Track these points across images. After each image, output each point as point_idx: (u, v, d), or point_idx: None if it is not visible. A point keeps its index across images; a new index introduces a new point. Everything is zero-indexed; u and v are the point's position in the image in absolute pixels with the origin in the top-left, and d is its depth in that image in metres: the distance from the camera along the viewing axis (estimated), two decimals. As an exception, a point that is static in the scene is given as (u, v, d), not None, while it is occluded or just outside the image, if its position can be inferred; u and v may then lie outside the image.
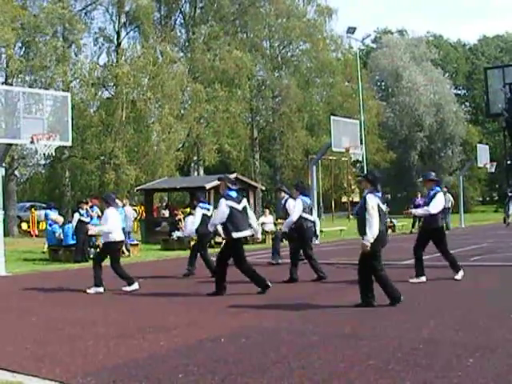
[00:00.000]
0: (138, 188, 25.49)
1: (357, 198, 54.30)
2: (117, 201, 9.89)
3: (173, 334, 6.24)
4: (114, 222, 9.56)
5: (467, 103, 64.64)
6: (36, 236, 26.29)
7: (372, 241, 7.19)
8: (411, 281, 9.38)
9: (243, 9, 38.74)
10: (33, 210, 29.05)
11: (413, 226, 24.88)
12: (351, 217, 43.61)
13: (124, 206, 17.37)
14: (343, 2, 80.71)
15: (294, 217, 10.05)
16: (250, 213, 9.01)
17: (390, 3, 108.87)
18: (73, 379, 4.66)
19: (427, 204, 9.54)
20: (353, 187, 50.13)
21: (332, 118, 21.30)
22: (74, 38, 31.10)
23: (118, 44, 35.19)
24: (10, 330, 6.74)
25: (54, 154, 14.30)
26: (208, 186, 20.80)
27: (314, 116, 40.95)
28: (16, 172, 30.33)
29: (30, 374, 4.87)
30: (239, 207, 8.66)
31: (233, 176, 22.88)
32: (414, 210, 10.70)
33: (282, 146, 40.83)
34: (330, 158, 36.22)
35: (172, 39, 35.86)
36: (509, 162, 18.73)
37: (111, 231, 9.47)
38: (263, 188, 30.35)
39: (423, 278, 9.47)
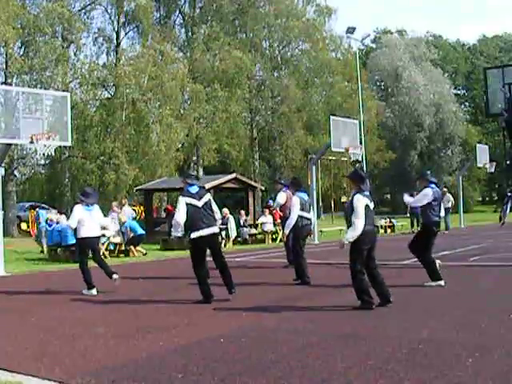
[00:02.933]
0: (138, 188, 25.49)
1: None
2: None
3: (172, 333, 6.23)
4: (75, 218, 9.43)
5: (467, 103, 64.71)
6: (36, 236, 26.26)
7: (351, 240, 7.15)
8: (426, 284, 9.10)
9: (243, 9, 38.73)
10: (32, 210, 29.03)
11: (412, 226, 24.94)
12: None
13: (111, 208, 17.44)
14: (343, 2, 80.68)
15: (293, 218, 9.84)
16: (215, 207, 8.40)
17: (390, 3, 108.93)
18: (72, 379, 4.66)
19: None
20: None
21: (331, 117, 21.29)
22: (73, 38, 31.10)
23: (118, 44, 35.19)
24: (10, 330, 6.73)
25: (53, 154, 14.30)
26: (207, 186, 20.76)
27: (314, 116, 40.94)
28: (16, 172, 30.32)
29: (30, 374, 4.87)
30: (199, 204, 8.12)
31: (232, 176, 22.94)
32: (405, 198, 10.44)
33: (282, 145, 40.83)
34: (330, 157, 36.22)
35: (171, 39, 35.84)
36: (508, 162, 18.73)
37: (71, 227, 9.44)
38: (263, 188, 30.34)
39: (441, 282, 9.04)
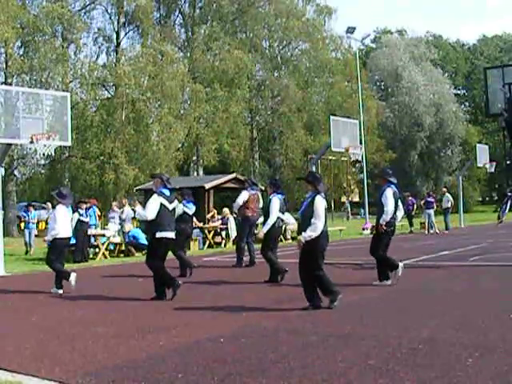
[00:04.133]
0: (138, 188, 25.48)
1: (356, 198, 54.35)
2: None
3: (172, 333, 6.23)
4: (59, 219, 9.58)
5: (467, 103, 64.68)
6: (36, 236, 26.23)
7: (308, 239, 7.19)
8: (374, 283, 9.27)
9: (242, 9, 38.74)
10: (32, 210, 28.99)
11: (411, 225, 24.96)
12: (350, 217, 43.71)
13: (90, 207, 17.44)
14: (343, 2, 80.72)
15: (272, 219, 10.03)
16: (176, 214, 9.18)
17: (390, 3, 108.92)
18: (72, 379, 4.66)
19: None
20: (352, 187, 50.12)
21: (331, 117, 21.29)
22: (73, 38, 31.11)
23: (118, 44, 35.20)
24: (10, 330, 6.73)
25: (53, 154, 14.30)
26: (207, 185, 20.79)
27: (314, 116, 40.94)
28: (16, 172, 30.32)
29: (30, 373, 4.87)
30: (170, 207, 8.59)
31: (232, 176, 22.94)
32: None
33: (282, 145, 40.82)
34: (330, 157, 36.21)
35: (171, 39, 35.86)
36: (508, 162, 18.70)
37: (55, 229, 9.55)
38: (262, 188, 30.32)
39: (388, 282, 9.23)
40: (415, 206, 26.00)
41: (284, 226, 11.68)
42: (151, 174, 9.68)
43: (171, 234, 8.58)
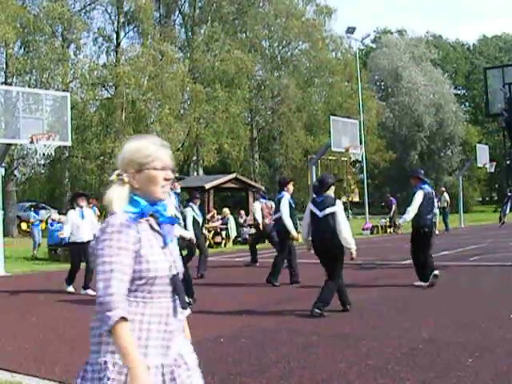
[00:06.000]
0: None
1: (356, 198, 54.33)
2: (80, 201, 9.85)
3: (172, 333, 6.23)
4: (70, 223, 9.83)
5: (467, 103, 64.69)
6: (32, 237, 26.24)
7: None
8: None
9: (243, 9, 38.73)
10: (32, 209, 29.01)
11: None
12: (350, 217, 43.71)
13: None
14: (343, 2, 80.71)
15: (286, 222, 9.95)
16: None
17: (390, 3, 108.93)
18: (72, 379, 4.63)
19: (409, 204, 9.28)
20: (352, 187, 50.10)
21: (331, 117, 21.29)
22: (73, 38, 31.10)
23: (118, 44, 35.16)
24: (10, 330, 6.73)
25: (53, 154, 14.30)
26: (207, 185, 20.79)
27: (314, 116, 40.92)
28: (16, 172, 30.30)
29: (30, 373, 4.87)
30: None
31: (232, 176, 22.94)
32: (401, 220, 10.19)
33: (282, 146, 40.80)
34: (330, 157, 36.17)
35: (171, 39, 35.84)
36: (508, 162, 18.67)
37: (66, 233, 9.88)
38: (262, 188, 30.34)
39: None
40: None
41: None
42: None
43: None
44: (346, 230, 6.90)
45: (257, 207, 13.28)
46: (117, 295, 1.96)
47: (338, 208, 6.97)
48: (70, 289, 9.67)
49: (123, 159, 2.15)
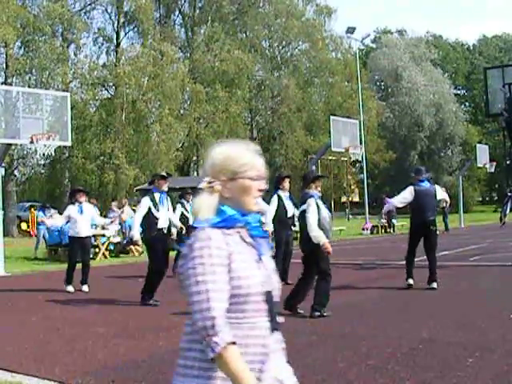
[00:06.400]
0: (138, 188, 25.48)
1: (356, 198, 54.35)
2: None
3: (172, 333, 6.22)
4: (65, 217, 9.90)
5: (467, 103, 64.67)
6: (36, 236, 26.26)
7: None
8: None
9: (243, 9, 38.74)
10: (32, 209, 29.01)
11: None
12: (351, 217, 43.70)
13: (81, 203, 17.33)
14: (343, 2, 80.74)
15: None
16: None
17: (390, 3, 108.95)
18: (72, 379, 4.65)
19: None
20: (352, 187, 50.13)
21: (331, 117, 21.29)
22: (73, 38, 31.13)
23: (118, 44, 35.16)
24: (10, 330, 6.73)
25: (53, 154, 14.31)
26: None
27: (314, 116, 40.93)
28: (16, 172, 30.31)
29: (30, 373, 4.87)
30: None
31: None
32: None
33: (282, 146, 40.82)
34: (330, 157, 36.19)
35: (171, 39, 35.84)
36: (508, 162, 18.70)
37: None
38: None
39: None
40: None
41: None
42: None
43: None
44: (310, 226, 6.89)
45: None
46: (219, 318, 1.78)
47: (307, 205, 7.04)
48: (70, 288, 9.67)
49: (214, 166, 1.96)
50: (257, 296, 1.88)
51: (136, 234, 8.46)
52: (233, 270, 1.84)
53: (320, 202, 7.16)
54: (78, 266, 9.84)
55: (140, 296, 8.24)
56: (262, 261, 1.95)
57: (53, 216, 17.13)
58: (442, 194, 9.43)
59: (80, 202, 9.76)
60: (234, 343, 1.76)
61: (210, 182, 1.94)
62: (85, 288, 9.64)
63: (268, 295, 1.92)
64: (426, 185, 9.26)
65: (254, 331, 1.88)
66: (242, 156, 1.96)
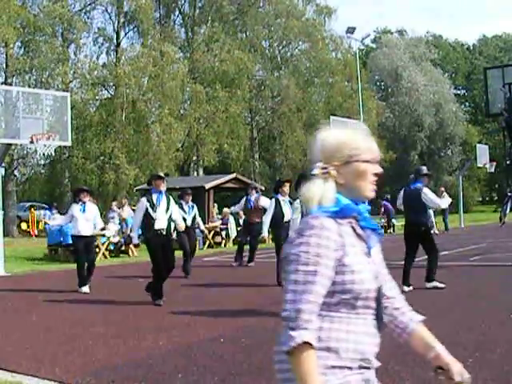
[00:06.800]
0: (138, 188, 25.49)
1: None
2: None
3: (172, 333, 6.23)
4: (69, 216, 9.95)
5: (467, 103, 64.65)
6: (36, 236, 26.28)
7: None
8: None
9: (243, 9, 38.74)
10: (32, 209, 29.03)
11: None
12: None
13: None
14: (343, 2, 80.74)
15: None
16: None
17: (390, 3, 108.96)
18: (72, 379, 4.66)
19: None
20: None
21: (331, 117, 21.33)
22: (73, 38, 31.13)
23: (118, 44, 35.16)
24: (10, 330, 6.73)
25: (53, 154, 14.31)
26: (207, 185, 20.79)
27: (314, 116, 40.90)
28: (16, 172, 30.31)
29: (30, 373, 4.87)
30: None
31: (232, 176, 22.93)
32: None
33: (282, 145, 40.82)
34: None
35: (171, 39, 35.84)
36: (508, 162, 18.69)
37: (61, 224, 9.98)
38: (263, 188, 30.33)
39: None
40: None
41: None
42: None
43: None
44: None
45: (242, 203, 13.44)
46: (306, 313, 1.66)
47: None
48: (85, 289, 9.60)
49: (325, 150, 1.84)
50: (368, 292, 1.79)
51: (135, 235, 8.47)
52: (346, 264, 1.73)
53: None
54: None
55: (149, 294, 8.31)
56: (370, 255, 1.86)
57: (54, 216, 17.18)
58: (431, 200, 9.07)
59: (83, 202, 9.76)
60: (310, 344, 1.65)
61: (323, 168, 1.81)
62: (85, 289, 9.63)
63: (378, 292, 1.83)
64: (413, 186, 9.20)
65: (362, 328, 1.82)
66: (356, 138, 1.85)
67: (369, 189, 1.84)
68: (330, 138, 1.86)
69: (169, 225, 8.40)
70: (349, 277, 1.73)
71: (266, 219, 10.03)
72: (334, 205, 1.77)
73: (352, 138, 1.84)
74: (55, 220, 10.37)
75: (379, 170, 1.87)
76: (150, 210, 8.23)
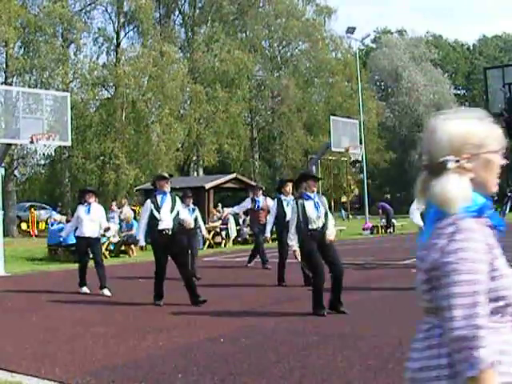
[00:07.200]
0: (138, 188, 25.50)
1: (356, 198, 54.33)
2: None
3: (172, 334, 6.23)
4: (75, 218, 9.96)
5: (467, 103, 64.62)
6: (35, 236, 26.28)
7: None
8: None
9: (243, 9, 38.77)
10: (32, 209, 29.03)
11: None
12: (350, 217, 43.73)
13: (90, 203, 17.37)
14: (343, 2, 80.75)
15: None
16: None
17: (390, 3, 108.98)
18: (72, 379, 4.65)
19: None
20: (352, 187, 50.11)
21: (331, 117, 21.31)
22: (73, 38, 31.15)
23: (118, 44, 35.18)
24: (10, 330, 6.73)
25: (53, 154, 14.32)
26: (207, 185, 20.80)
27: (314, 116, 40.95)
28: (16, 172, 30.31)
29: (30, 373, 4.87)
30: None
31: (232, 176, 22.95)
32: None
33: (282, 146, 40.86)
34: (330, 158, 36.23)
35: (171, 39, 35.86)
36: (508, 162, 18.72)
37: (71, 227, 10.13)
38: (263, 188, 30.32)
39: None
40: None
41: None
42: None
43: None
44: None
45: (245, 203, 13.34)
46: (484, 328, 1.48)
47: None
48: (84, 290, 9.58)
49: (453, 141, 1.63)
50: None
51: (141, 238, 8.48)
52: (496, 268, 1.57)
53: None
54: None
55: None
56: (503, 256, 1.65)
57: (55, 217, 17.20)
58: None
59: (89, 203, 9.75)
60: (492, 364, 1.47)
61: (457, 161, 1.61)
62: (85, 289, 9.61)
63: None
64: None
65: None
66: (483, 127, 1.69)
67: (495, 183, 1.70)
68: (456, 127, 1.66)
69: (174, 225, 8.36)
70: (501, 282, 1.57)
71: (270, 219, 10.08)
72: (473, 204, 1.61)
73: (479, 126, 1.68)
74: (66, 231, 10.47)
75: (504, 161, 1.71)
76: (155, 211, 8.23)
